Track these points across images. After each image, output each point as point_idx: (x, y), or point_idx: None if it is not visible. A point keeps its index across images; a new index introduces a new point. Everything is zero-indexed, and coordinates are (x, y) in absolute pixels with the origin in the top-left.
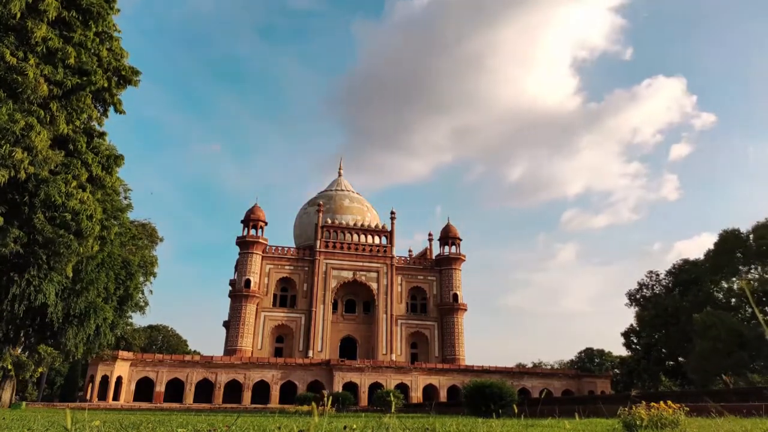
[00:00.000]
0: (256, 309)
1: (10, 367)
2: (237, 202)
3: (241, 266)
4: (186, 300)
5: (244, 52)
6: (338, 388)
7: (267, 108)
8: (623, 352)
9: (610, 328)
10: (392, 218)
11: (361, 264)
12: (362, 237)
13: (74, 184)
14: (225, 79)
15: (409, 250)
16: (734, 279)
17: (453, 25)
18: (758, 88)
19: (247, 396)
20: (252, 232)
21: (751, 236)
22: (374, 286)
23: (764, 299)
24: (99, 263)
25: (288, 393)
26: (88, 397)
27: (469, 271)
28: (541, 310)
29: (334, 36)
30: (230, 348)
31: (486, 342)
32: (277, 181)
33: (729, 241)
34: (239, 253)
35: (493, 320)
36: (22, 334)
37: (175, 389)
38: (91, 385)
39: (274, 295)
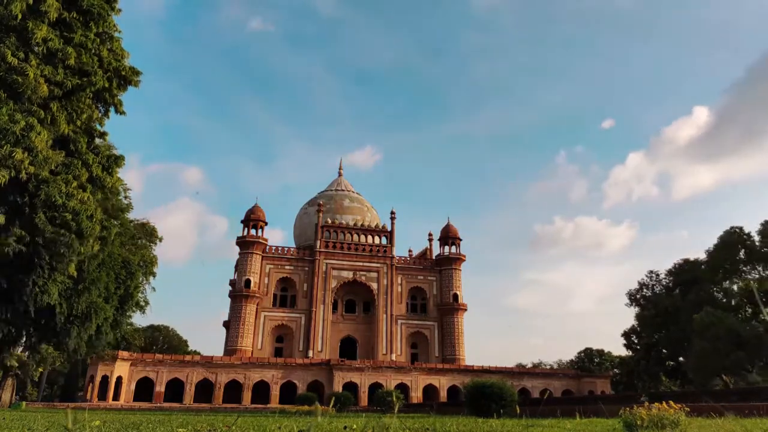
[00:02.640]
0: (256, 309)
1: (15, 364)
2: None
3: (241, 266)
4: (186, 300)
5: (276, 59)
6: (338, 388)
7: (292, 112)
8: (623, 352)
9: (610, 328)
10: (392, 218)
11: (361, 264)
12: (362, 237)
13: (75, 184)
14: (254, 85)
15: (409, 250)
16: (735, 279)
17: None
18: None
19: (247, 396)
20: (252, 231)
21: (757, 237)
22: (374, 286)
23: (764, 299)
24: (100, 263)
25: (288, 393)
26: (88, 397)
27: (468, 270)
28: (543, 310)
29: None
30: (230, 348)
31: (486, 342)
32: (300, 182)
33: (731, 240)
34: (239, 253)
35: (494, 320)
36: (24, 334)
37: (175, 389)
38: (91, 385)
39: (274, 295)
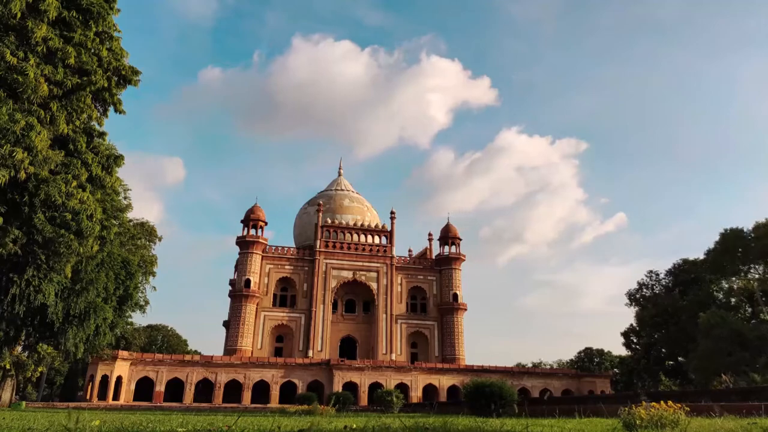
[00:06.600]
0: (256, 309)
1: (8, 366)
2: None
3: (241, 266)
4: (186, 300)
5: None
6: (338, 388)
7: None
8: (623, 351)
9: (610, 328)
10: (392, 218)
11: (361, 264)
12: (362, 237)
13: (74, 183)
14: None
15: (409, 250)
16: (734, 279)
17: None
18: None
19: (247, 396)
20: (252, 231)
21: (752, 235)
22: (374, 285)
23: (764, 299)
24: (99, 263)
25: (288, 393)
26: (87, 396)
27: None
28: (543, 310)
29: None
30: (230, 348)
31: (486, 342)
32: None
33: (730, 240)
34: (239, 253)
35: (494, 320)
36: (22, 334)
37: (175, 389)
38: (91, 384)
39: (274, 295)
